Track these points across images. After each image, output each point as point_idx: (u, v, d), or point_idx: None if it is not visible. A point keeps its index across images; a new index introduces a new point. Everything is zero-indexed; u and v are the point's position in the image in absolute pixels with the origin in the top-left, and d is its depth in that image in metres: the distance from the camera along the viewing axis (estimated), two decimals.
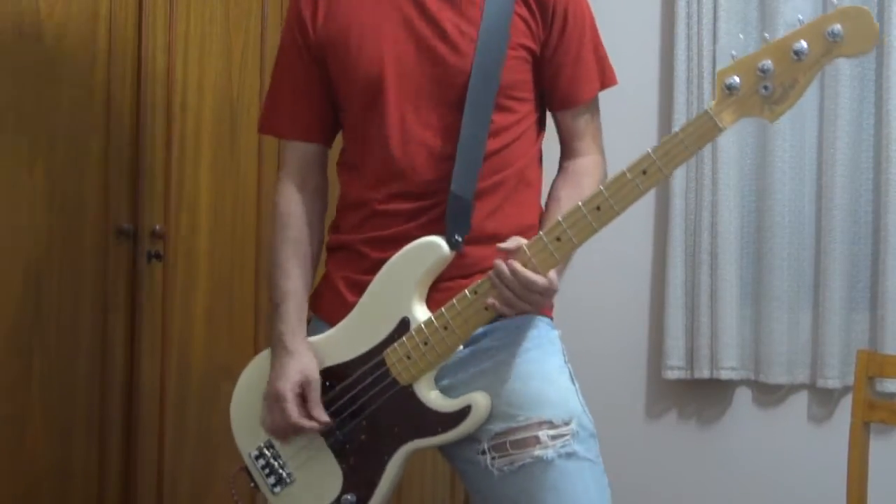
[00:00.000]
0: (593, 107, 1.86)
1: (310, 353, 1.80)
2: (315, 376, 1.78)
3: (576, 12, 1.80)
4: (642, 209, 3.38)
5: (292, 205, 1.88)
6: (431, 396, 1.72)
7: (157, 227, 2.47)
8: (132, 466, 2.45)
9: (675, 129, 3.22)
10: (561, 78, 1.80)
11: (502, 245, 1.64)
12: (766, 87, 1.52)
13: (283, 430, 1.80)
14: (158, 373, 2.51)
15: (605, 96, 1.93)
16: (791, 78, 1.51)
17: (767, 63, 1.51)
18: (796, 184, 3.16)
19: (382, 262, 1.75)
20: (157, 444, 2.50)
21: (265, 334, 2.73)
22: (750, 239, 3.24)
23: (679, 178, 3.27)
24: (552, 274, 1.64)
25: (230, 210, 2.68)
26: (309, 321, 1.90)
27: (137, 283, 2.45)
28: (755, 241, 3.23)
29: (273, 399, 1.79)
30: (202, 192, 2.61)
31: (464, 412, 1.69)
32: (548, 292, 1.64)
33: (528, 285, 1.61)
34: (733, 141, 3.19)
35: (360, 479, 1.77)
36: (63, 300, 2.32)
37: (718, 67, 3.16)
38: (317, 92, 1.86)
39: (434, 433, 1.71)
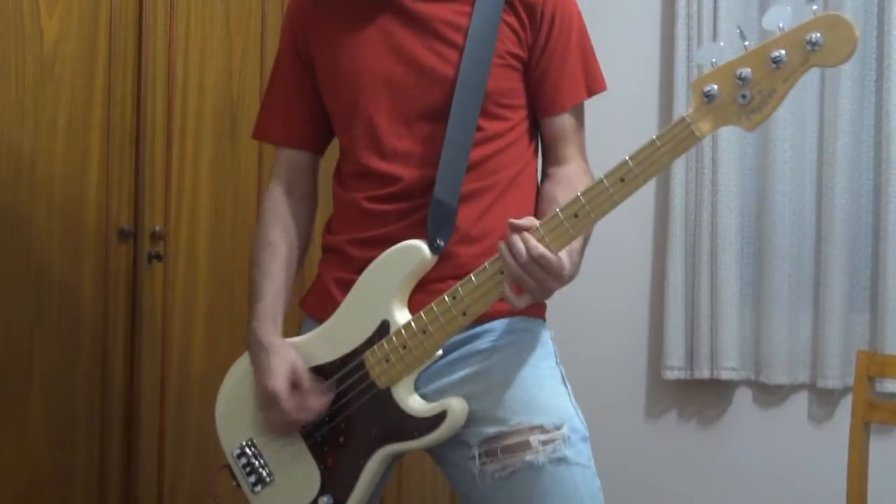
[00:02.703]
0: (579, 113, 1.84)
1: (288, 346, 1.80)
2: (302, 366, 1.78)
3: (563, 17, 1.78)
4: (642, 209, 3.39)
5: (277, 209, 1.89)
6: (409, 400, 1.72)
7: (158, 227, 2.47)
8: (132, 466, 2.45)
9: None
10: (546, 83, 1.79)
11: (515, 221, 1.60)
12: (744, 96, 1.49)
13: (285, 428, 1.79)
14: (158, 373, 2.51)
15: (604, 97, 1.93)
16: (769, 86, 1.49)
17: (746, 71, 1.49)
18: (796, 184, 3.16)
19: (369, 261, 1.75)
20: (157, 444, 2.50)
21: None
22: (750, 239, 3.24)
23: (679, 177, 3.28)
24: (563, 254, 1.61)
25: (230, 210, 2.68)
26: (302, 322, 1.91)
27: (137, 283, 2.45)
28: (755, 240, 3.23)
29: (268, 399, 1.78)
30: (202, 192, 2.61)
31: (439, 417, 1.68)
32: (557, 271, 1.59)
33: (537, 258, 1.57)
34: (733, 141, 3.20)
35: (337, 480, 1.77)
36: (63, 300, 2.33)
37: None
38: (310, 100, 1.88)
39: (410, 437, 1.71)
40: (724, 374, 3.21)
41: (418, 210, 1.73)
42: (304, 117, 1.89)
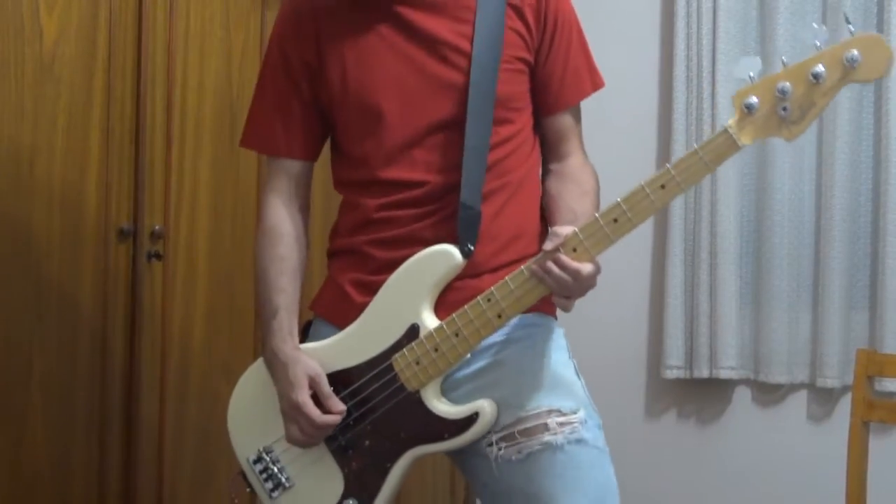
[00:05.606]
0: (578, 108, 1.88)
1: (304, 356, 1.80)
2: (318, 370, 1.77)
3: (564, 17, 1.82)
4: None
5: (281, 222, 1.87)
6: (438, 403, 1.73)
7: (157, 227, 2.48)
8: (132, 466, 2.45)
9: (675, 128, 3.25)
10: (552, 83, 1.82)
11: (548, 246, 1.64)
12: (784, 109, 1.57)
13: (312, 437, 1.77)
14: (158, 372, 2.51)
15: (604, 95, 1.94)
16: (809, 100, 1.57)
17: (786, 85, 1.56)
18: (796, 183, 3.16)
19: (391, 261, 1.76)
20: (157, 444, 2.50)
21: None
22: (749, 238, 3.24)
23: None
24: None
25: (230, 210, 2.68)
26: (310, 323, 1.91)
27: (137, 282, 2.45)
28: (755, 240, 3.23)
29: (293, 411, 1.76)
30: (202, 191, 2.61)
31: (471, 419, 1.70)
32: (596, 274, 1.67)
33: (578, 276, 1.63)
34: None
35: (362, 484, 1.77)
36: (63, 299, 2.33)
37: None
38: (303, 109, 1.86)
39: (440, 439, 1.72)
40: (724, 374, 3.21)
41: (437, 212, 1.75)
42: (300, 127, 1.87)
